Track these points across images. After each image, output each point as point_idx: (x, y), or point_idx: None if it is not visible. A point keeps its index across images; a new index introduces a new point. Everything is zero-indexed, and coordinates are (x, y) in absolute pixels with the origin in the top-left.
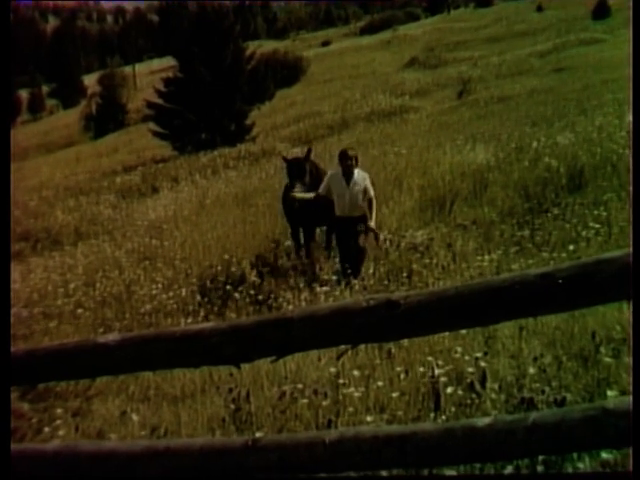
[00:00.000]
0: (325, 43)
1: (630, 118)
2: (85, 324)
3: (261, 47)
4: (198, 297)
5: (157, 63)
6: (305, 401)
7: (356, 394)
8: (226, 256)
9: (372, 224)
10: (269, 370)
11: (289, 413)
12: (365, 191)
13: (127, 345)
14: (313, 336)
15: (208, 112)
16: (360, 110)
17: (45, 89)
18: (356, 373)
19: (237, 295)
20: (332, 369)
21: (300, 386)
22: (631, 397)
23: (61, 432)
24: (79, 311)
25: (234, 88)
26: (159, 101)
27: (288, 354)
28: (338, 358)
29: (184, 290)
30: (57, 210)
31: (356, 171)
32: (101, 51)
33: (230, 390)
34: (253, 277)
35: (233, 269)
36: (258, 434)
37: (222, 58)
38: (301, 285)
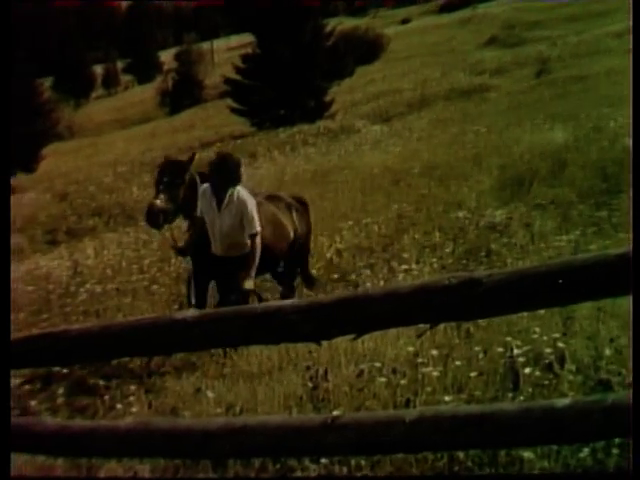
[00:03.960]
0: (405, 21)
1: (631, 114)
2: (159, 300)
3: (341, 24)
4: None
5: (235, 39)
6: (383, 380)
7: (434, 373)
8: None
9: (248, 283)
10: (347, 348)
11: (367, 392)
12: (243, 222)
13: (205, 321)
14: (393, 314)
15: (286, 88)
16: (439, 88)
17: (120, 65)
18: (434, 352)
19: (314, 272)
20: (410, 348)
21: (378, 364)
22: (631, 392)
23: (134, 409)
24: (154, 287)
25: (313, 65)
26: (237, 77)
27: (368, 332)
28: (419, 337)
29: None
30: (133, 186)
31: (237, 190)
32: (177, 27)
33: (307, 368)
34: (331, 254)
35: (311, 246)
36: (335, 412)
37: (301, 34)
38: (380, 262)
